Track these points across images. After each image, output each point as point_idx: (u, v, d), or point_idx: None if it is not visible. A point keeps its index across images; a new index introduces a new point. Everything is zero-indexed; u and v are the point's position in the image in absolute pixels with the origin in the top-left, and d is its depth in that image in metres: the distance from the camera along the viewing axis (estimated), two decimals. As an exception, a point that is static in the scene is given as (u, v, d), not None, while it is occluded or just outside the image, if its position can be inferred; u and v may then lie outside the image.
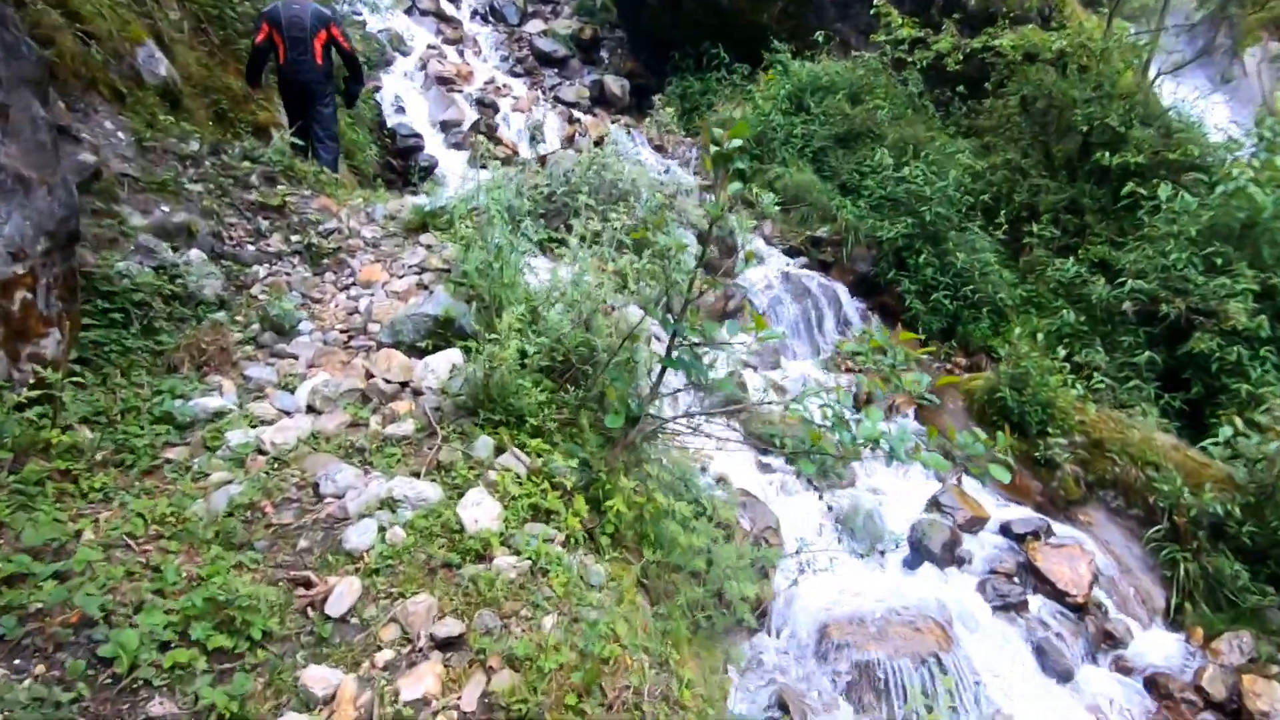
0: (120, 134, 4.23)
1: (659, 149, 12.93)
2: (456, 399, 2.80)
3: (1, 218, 2.16)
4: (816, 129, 11.60)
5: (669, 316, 2.65)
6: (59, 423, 2.10)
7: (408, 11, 14.99)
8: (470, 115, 12.05)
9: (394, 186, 10.49)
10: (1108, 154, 8.97)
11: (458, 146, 11.43)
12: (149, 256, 3.50)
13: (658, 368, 2.66)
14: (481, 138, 10.25)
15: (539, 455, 2.57)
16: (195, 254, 3.88)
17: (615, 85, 14.31)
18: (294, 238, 4.44)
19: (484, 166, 5.66)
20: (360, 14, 11.91)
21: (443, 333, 3.35)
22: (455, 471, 2.44)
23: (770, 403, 3.16)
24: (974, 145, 10.80)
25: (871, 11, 10.98)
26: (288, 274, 4.17)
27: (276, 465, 2.45)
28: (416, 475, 2.40)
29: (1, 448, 1.91)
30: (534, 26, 15.91)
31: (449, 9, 16.19)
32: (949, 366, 9.13)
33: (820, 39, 12.01)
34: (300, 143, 5.89)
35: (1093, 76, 9.96)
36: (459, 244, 4.34)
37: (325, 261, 4.44)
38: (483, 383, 2.66)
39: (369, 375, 3.08)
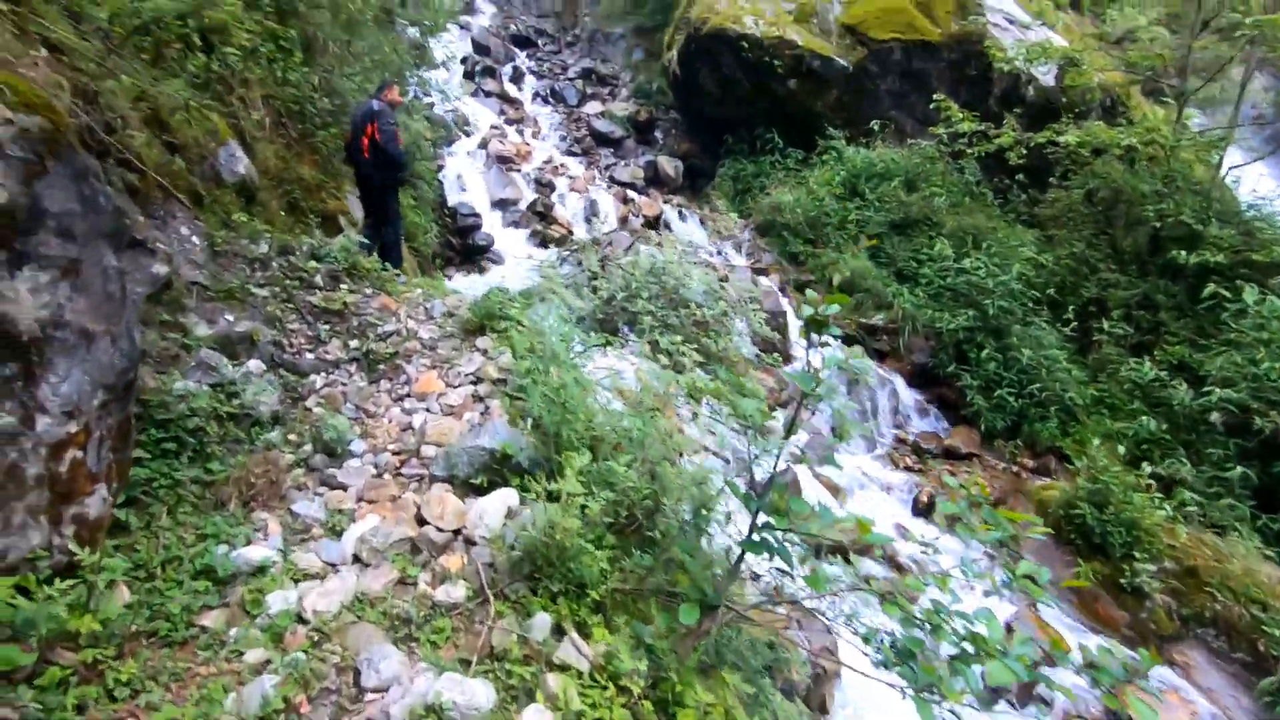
0: (195, 239, 4.25)
1: (711, 229, 12.92)
2: (511, 555, 2.57)
3: (60, 375, 2.06)
4: (872, 215, 11.44)
5: (750, 493, 2.40)
6: (91, 607, 1.94)
7: (474, 93, 15.57)
8: (528, 194, 12.25)
9: (452, 263, 10.63)
10: (1184, 252, 8.53)
11: (515, 225, 11.58)
12: (208, 373, 3.42)
13: (736, 547, 2.40)
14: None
15: (602, 642, 2.30)
16: (255, 364, 3.81)
17: (669, 166, 14.46)
18: (352, 343, 4.36)
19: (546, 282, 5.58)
20: (430, 98, 12.34)
21: (499, 468, 3.15)
22: (509, 661, 2.18)
23: (860, 588, 2.81)
24: (1036, 236, 10.46)
25: (931, 105, 10.89)
26: (344, 384, 4.07)
27: (317, 640, 2.23)
28: (466, 665, 2.14)
29: (27, 651, 1.74)
30: (592, 108, 16.32)
31: (512, 90, 16.78)
32: (1015, 468, 8.59)
33: (875, 127, 11.96)
34: (367, 240, 5.96)
35: (1162, 170, 9.61)
36: (518, 363, 4.20)
37: (382, 368, 4.34)
38: (541, 543, 2.44)
39: (420, 519, 2.88)
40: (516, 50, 18.56)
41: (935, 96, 10.69)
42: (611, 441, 3.12)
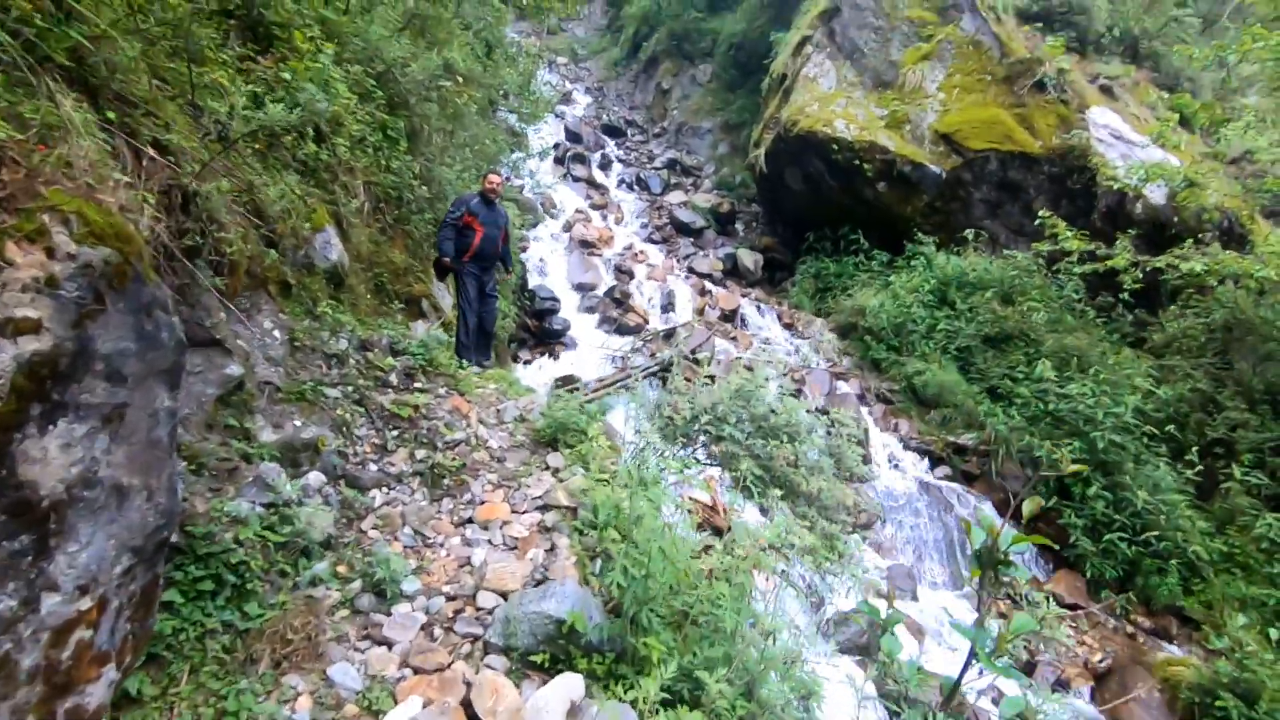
0: (277, 333, 4.09)
1: (789, 326, 12.46)
2: (573, 780, 2.09)
3: (81, 543, 1.75)
4: (962, 326, 10.76)
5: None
6: None
7: (563, 177, 15.89)
8: (607, 280, 12.16)
9: (526, 345, 10.49)
10: (1329, 398, 7.53)
11: (591, 310, 11.43)
12: (263, 491, 3.12)
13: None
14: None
15: None
16: (315, 478, 3.51)
17: (749, 259, 14.22)
18: (419, 453, 4.04)
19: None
20: (522, 181, 12.59)
21: (564, 642, 2.69)
22: None
23: None
24: (1149, 363, 9.54)
25: (1036, 221, 10.32)
26: (404, 502, 3.72)
27: None
28: None
29: None
30: (675, 197, 16.40)
31: (599, 176, 17.10)
32: (1128, 627, 7.50)
33: (969, 235, 11.42)
34: (444, 335, 5.77)
35: (1298, 303, 8.68)
36: (593, 497, 3.77)
37: (446, 483, 3.98)
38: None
39: (468, 708, 2.42)
40: (607, 139, 19.05)
41: (1040, 212, 10.13)
42: (700, 626, 2.62)
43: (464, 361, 6.16)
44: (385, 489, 3.76)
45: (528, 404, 5.25)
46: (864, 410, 10.15)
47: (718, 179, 17.43)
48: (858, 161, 12.25)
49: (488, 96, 10.93)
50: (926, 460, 9.55)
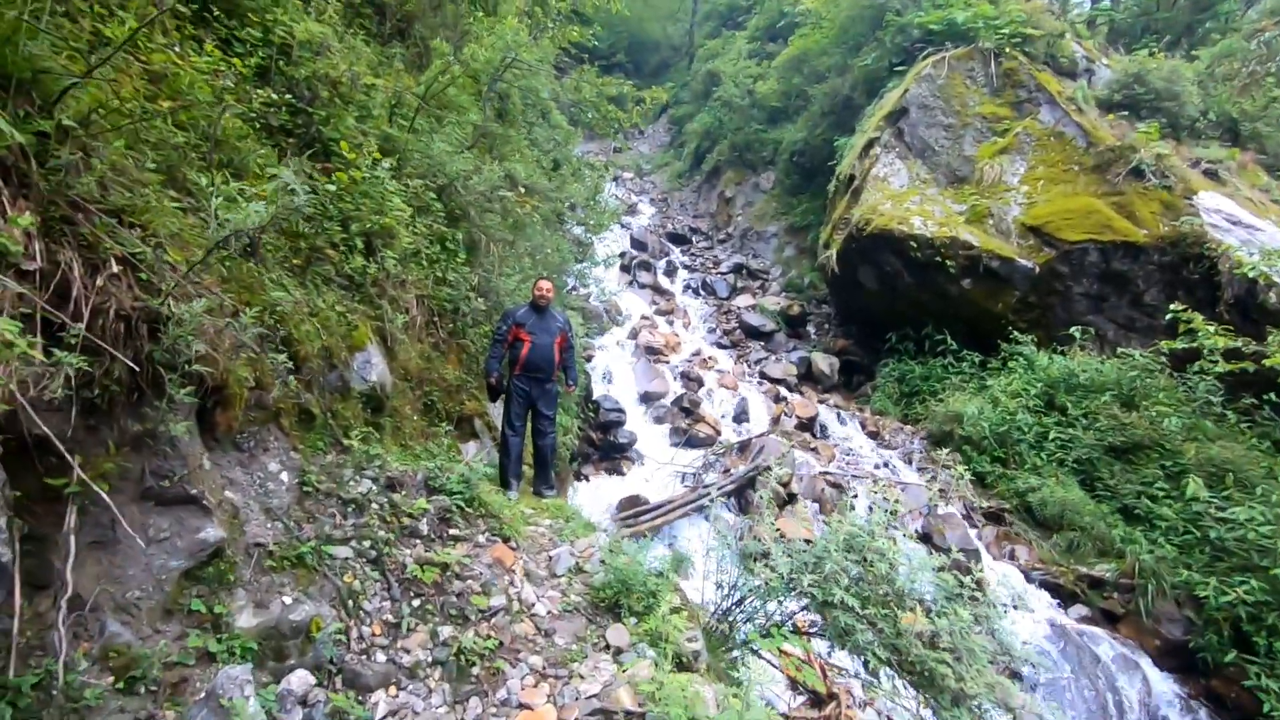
0: (284, 476, 3.33)
1: (874, 435, 11.17)
2: None
3: None
4: (1079, 434, 9.27)
5: None
6: None
7: (628, 284, 15.50)
8: (674, 388, 11.30)
9: (590, 460, 9.60)
10: None
11: (659, 420, 10.51)
12: (217, 713, 2.23)
13: None
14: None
15: None
16: (298, 680, 2.59)
17: (824, 363, 13.15)
18: (443, 632, 3.08)
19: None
20: (588, 290, 12.14)
21: None
22: None
23: None
24: (1324, 478, 7.79)
25: (1167, 317, 8.99)
26: (417, 710, 2.75)
27: None
28: None
29: None
30: (743, 301, 15.70)
31: (665, 283, 16.66)
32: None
33: (1075, 333, 10.09)
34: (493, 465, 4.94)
35: None
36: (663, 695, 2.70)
37: (475, 673, 3.00)
38: None
39: None
40: (671, 246, 18.81)
41: (1172, 306, 8.82)
42: None
43: (507, 493, 5.28)
44: (394, 688, 2.80)
45: (586, 549, 4.27)
46: (972, 533, 8.65)
47: (785, 281, 16.71)
48: (939, 258, 11.27)
49: (554, 209, 10.69)
50: (1053, 596, 7.89)
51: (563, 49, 10.32)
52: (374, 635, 2.93)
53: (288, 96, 5.09)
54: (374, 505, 3.57)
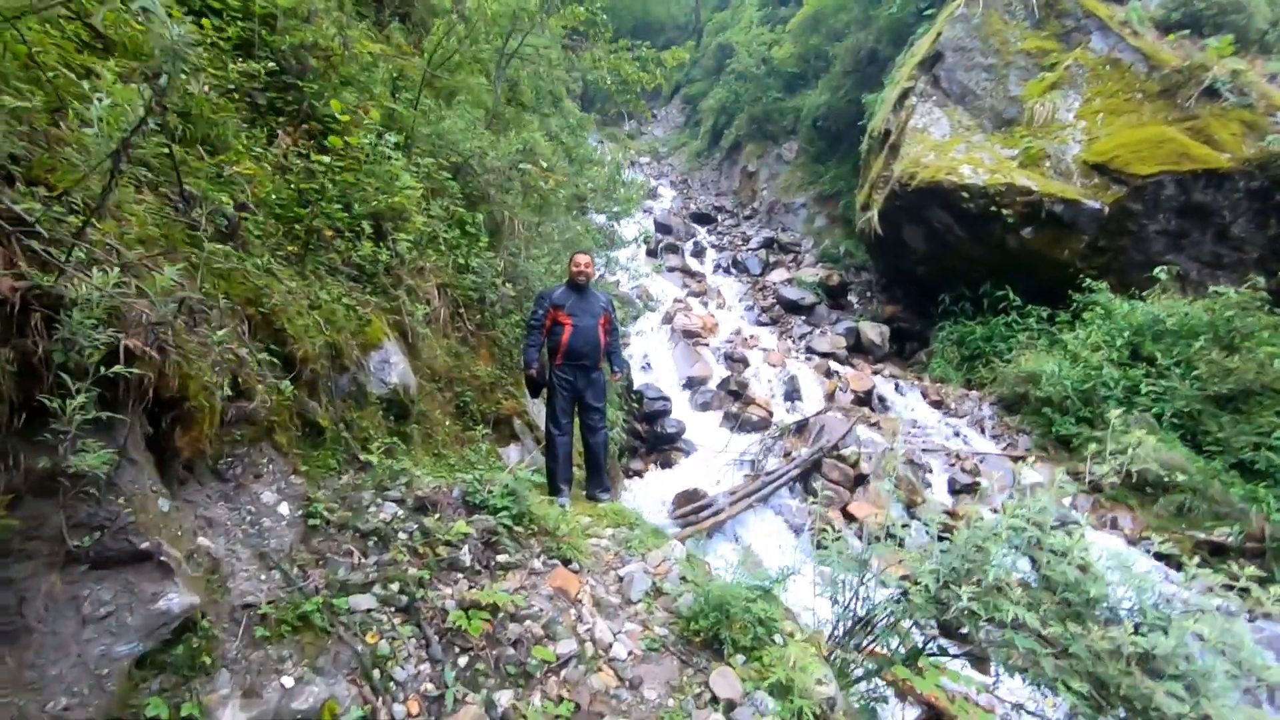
0: (284, 508, 2.57)
1: (938, 404, 10.18)
2: None
3: None
4: (1175, 385, 8.20)
5: None
6: None
7: (656, 269, 14.62)
8: (718, 371, 10.43)
9: (638, 454, 8.80)
10: None
11: (706, 406, 9.66)
12: None
13: None
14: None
15: None
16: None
17: (873, 332, 12.16)
18: (501, 700, 2.29)
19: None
20: (616, 277, 11.33)
21: None
22: None
23: None
24: None
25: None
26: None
27: None
28: None
29: None
30: (778, 276, 14.74)
31: (694, 264, 15.76)
32: None
33: (1161, 275, 8.98)
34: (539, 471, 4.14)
35: None
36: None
37: (546, 752, 2.22)
38: None
39: None
40: (697, 227, 17.88)
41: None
42: None
43: (558, 500, 4.49)
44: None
45: (661, 562, 3.46)
46: (1065, 503, 7.66)
47: (820, 252, 15.70)
48: (994, 208, 10.20)
49: (576, 193, 9.87)
50: (1170, 568, 6.88)
51: (567, 28, 9.47)
52: (411, 716, 2.15)
53: (270, 64, 4.32)
54: (401, 535, 2.80)
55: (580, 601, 2.99)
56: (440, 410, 4.80)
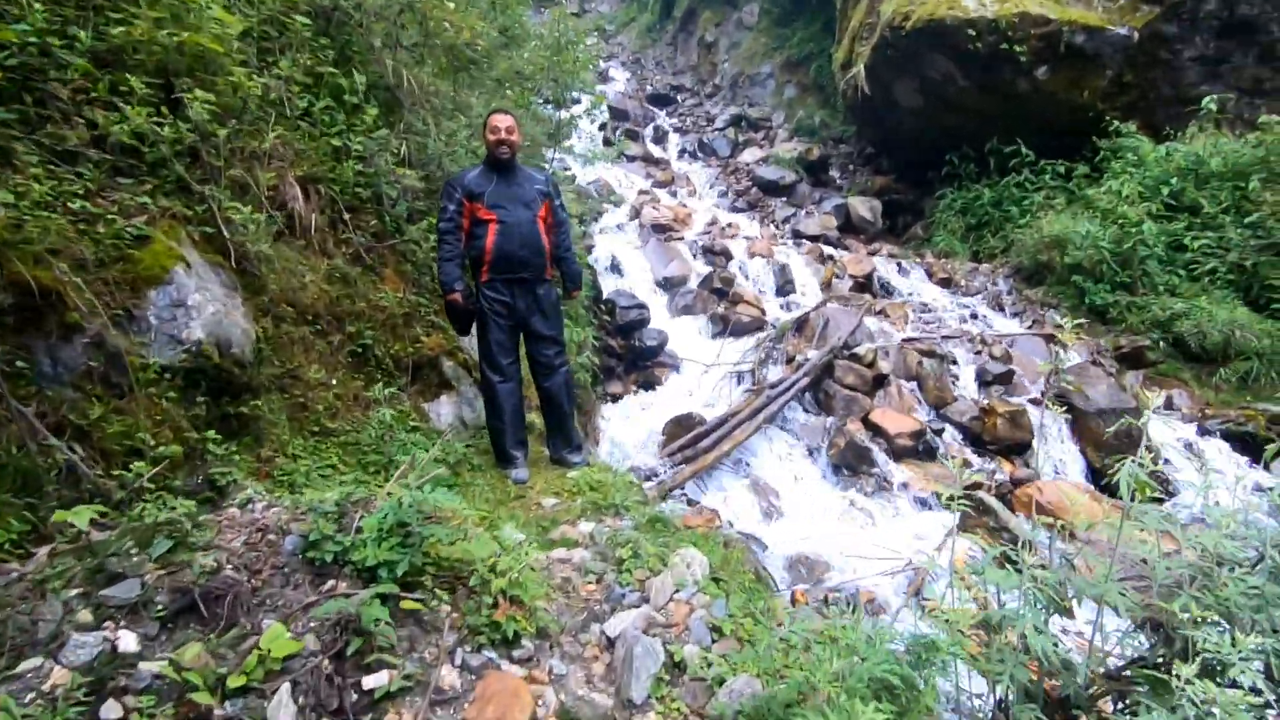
0: None
1: (945, 283, 8.71)
2: None
3: None
4: (1229, 235, 6.80)
5: None
6: None
7: (616, 158, 12.51)
8: (698, 268, 8.73)
9: (614, 375, 7.26)
10: None
11: (688, 310, 8.04)
12: None
13: None
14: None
15: None
16: None
17: (864, 207, 10.47)
18: None
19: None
20: (569, 168, 9.34)
21: None
22: None
23: None
24: None
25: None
26: None
27: None
28: None
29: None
30: (750, 155, 12.77)
31: (656, 151, 13.65)
32: None
33: (1212, 105, 7.34)
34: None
35: None
36: None
37: None
38: None
39: None
40: (656, 110, 15.54)
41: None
42: None
43: (510, 474, 2.96)
44: None
45: (673, 597, 1.99)
46: (1109, 384, 6.40)
47: (794, 125, 13.65)
48: (1005, 45, 8.31)
49: (511, 68, 7.68)
50: (1238, 450, 5.72)
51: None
52: None
53: None
54: (111, 711, 1.22)
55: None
56: (320, 364, 3.13)
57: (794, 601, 3.66)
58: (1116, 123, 7.94)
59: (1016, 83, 8.57)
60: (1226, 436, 5.77)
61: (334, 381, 3.14)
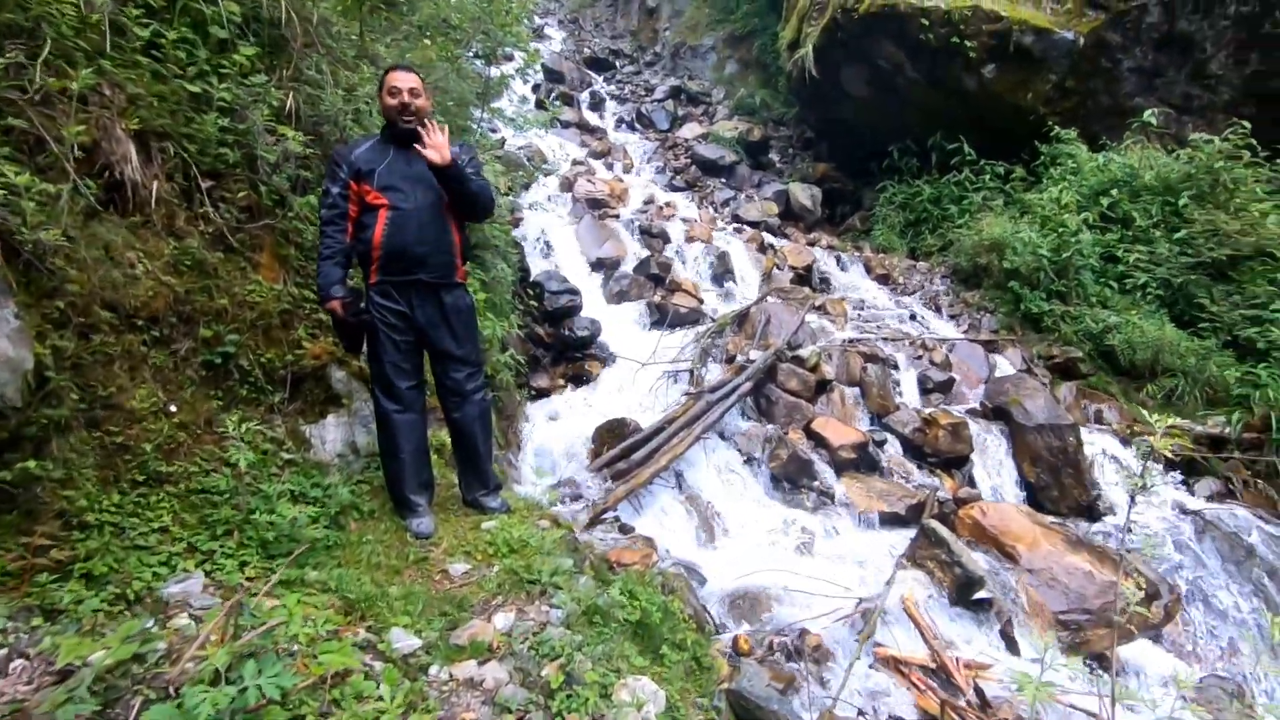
0: None
1: (883, 279, 8.54)
2: None
3: None
4: (1159, 250, 6.88)
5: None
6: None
7: (549, 124, 11.60)
8: (634, 249, 8.15)
9: (541, 367, 6.61)
10: None
11: (622, 296, 7.47)
12: None
13: None
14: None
15: None
16: None
17: (804, 195, 10.15)
18: None
19: None
20: (497, 130, 8.44)
21: None
22: None
23: None
24: None
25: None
26: None
27: None
28: None
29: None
30: (690, 131, 12.19)
31: (592, 118, 12.82)
32: None
33: (1150, 117, 7.37)
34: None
35: None
36: None
37: None
38: None
39: None
40: (593, 74, 14.62)
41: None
42: None
43: (411, 524, 2.35)
44: None
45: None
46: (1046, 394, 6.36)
47: (735, 103, 13.14)
48: (957, 38, 8.08)
49: (436, 15, 6.68)
50: (1166, 468, 5.81)
51: None
52: None
53: None
54: None
55: None
56: (154, 385, 2.36)
57: (738, 651, 3.25)
58: (1057, 128, 7.89)
59: (964, 79, 8.39)
60: (1153, 455, 5.82)
61: (174, 408, 2.38)
